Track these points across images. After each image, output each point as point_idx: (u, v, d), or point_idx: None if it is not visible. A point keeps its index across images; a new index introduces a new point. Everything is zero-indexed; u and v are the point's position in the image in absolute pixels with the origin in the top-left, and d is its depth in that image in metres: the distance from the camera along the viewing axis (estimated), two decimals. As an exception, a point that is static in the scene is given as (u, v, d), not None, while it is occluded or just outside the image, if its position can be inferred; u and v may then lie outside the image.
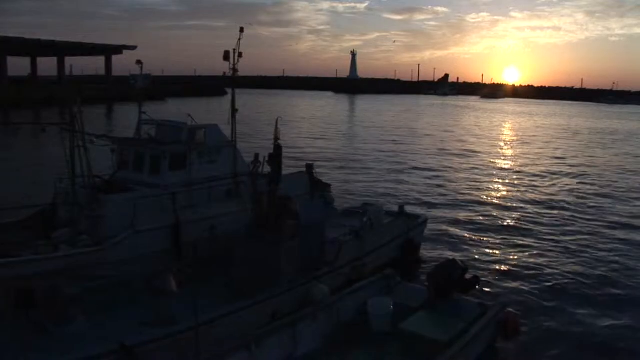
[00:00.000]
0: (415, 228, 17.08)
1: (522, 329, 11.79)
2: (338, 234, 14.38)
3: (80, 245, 12.07)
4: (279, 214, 12.51)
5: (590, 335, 12.33)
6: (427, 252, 17.49)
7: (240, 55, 14.43)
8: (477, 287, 12.60)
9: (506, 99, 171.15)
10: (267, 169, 14.93)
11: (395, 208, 18.03)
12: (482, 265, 16.60)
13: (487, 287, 14.68)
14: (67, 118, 12.34)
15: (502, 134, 63.11)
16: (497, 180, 32.06)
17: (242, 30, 14.40)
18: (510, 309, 12.34)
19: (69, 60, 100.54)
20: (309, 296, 11.55)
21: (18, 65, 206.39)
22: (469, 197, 26.59)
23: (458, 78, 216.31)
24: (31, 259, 11.24)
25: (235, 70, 14.40)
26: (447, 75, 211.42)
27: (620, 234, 20.54)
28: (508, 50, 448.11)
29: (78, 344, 8.98)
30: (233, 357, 8.76)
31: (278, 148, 14.17)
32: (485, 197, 27.00)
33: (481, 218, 22.55)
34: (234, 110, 14.95)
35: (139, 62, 15.00)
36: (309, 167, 17.46)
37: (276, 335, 9.60)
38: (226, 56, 14.25)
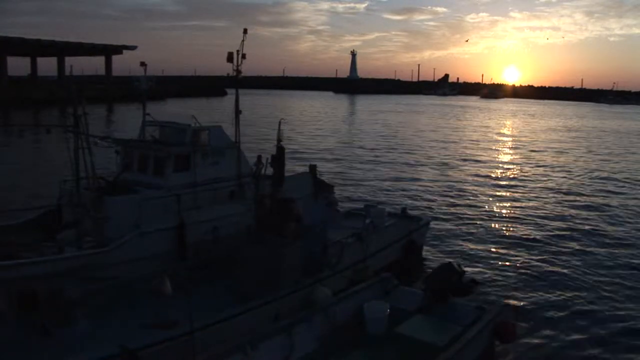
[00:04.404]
0: (418, 230, 17.09)
1: (519, 332, 11.75)
2: (340, 236, 14.39)
3: (84, 246, 12.10)
4: (281, 216, 12.53)
5: (589, 339, 12.33)
6: (429, 254, 17.52)
7: (243, 56, 14.42)
8: (474, 290, 12.58)
9: (506, 99, 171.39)
10: (269, 170, 14.97)
11: (398, 210, 18.05)
12: (482, 268, 16.61)
13: (486, 290, 14.66)
14: (71, 119, 12.36)
15: (505, 135, 63.09)
16: (500, 182, 32.07)
17: (245, 31, 14.38)
18: (507, 312, 12.35)
19: (69, 60, 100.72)
20: (311, 299, 11.56)
21: (18, 65, 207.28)
22: (472, 199, 26.61)
23: (458, 78, 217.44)
24: (35, 261, 11.25)
25: (239, 71, 14.41)
26: (447, 75, 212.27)
27: (624, 238, 20.50)
28: (508, 50, 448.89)
29: (81, 347, 8.98)
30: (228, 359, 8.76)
31: (281, 150, 14.21)
32: (488, 199, 27.02)
33: (484, 220, 22.56)
34: (237, 112, 14.94)
35: (142, 63, 15.02)
36: (312, 168, 17.48)
37: (272, 338, 9.57)
38: (230, 57, 14.23)
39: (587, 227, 21.70)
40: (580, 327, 12.91)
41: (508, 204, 25.69)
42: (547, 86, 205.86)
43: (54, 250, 11.89)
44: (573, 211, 24.49)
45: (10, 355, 8.86)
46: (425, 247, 17.74)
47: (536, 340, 12.11)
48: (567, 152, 46.49)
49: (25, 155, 34.58)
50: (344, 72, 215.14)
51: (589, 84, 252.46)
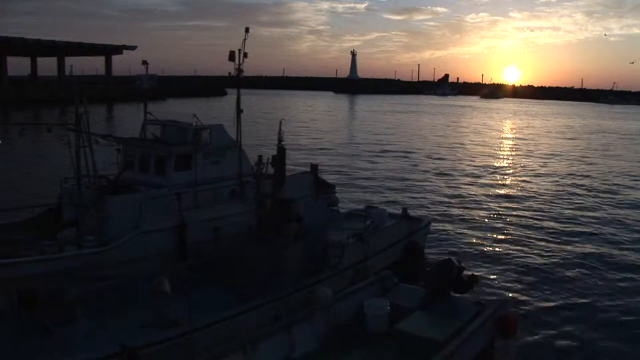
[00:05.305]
0: (419, 230, 17.06)
1: (519, 328, 11.70)
2: (341, 237, 14.36)
3: (85, 245, 12.06)
4: (282, 216, 12.49)
5: (589, 334, 12.38)
6: (430, 254, 17.49)
7: (245, 55, 14.38)
8: (474, 286, 12.58)
9: (506, 99, 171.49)
10: (270, 170, 14.95)
11: (399, 210, 18.02)
12: (482, 265, 16.67)
13: (486, 286, 14.72)
14: (72, 118, 12.34)
15: (506, 135, 63.08)
16: (500, 182, 32.07)
17: (247, 30, 14.33)
18: (507, 307, 12.34)
19: (69, 60, 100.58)
20: (312, 299, 11.52)
21: (18, 65, 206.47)
22: (472, 199, 26.61)
23: (458, 78, 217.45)
24: (37, 259, 11.23)
25: (241, 70, 14.37)
26: (447, 75, 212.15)
27: (624, 236, 20.55)
28: (508, 51, 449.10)
29: (81, 346, 8.95)
30: (228, 359, 8.73)
31: (282, 150, 14.16)
32: (489, 199, 27.01)
33: (484, 219, 22.57)
34: (239, 111, 14.90)
35: (144, 62, 15.01)
36: (314, 168, 17.44)
37: (272, 337, 9.56)
38: (231, 56, 14.18)
39: (586, 225, 21.77)
40: (579, 321, 12.98)
41: (508, 204, 25.65)
42: (547, 86, 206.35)
43: (55, 249, 11.86)
44: (573, 209, 24.52)
45: (11, 354, 8.83)
46: (426, 248, 17.70)
47: (536, 335, 12.15)
48: (568, 152, 46.45)
49: (26, 155, 34.57)
50: (344, 72, 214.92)
51: (589, 84, 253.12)
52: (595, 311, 13.62)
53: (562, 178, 33.45)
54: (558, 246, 18.92)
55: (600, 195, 28.45)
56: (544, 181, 32.25)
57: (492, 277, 15.70)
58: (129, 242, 12.21)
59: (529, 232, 20.76)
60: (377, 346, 9.96)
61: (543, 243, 19.27)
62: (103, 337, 9.18)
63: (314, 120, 73.27)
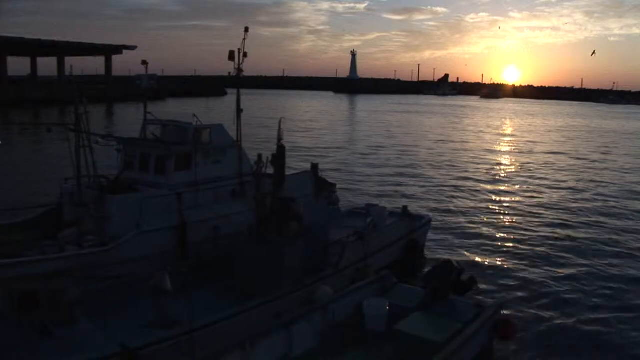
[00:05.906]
0: (419, 229, 17.06)
1: (519, 330, 11.71)
2: (341, 235, 14.35)
3: (86, 245, 12.06)
4: (282, 216, 12.48)
5: (588, 336, 12.34)
6: (430, 252, 17.48)
7: (245, 55, 14.42)
8: (473, 288, 12.55)
9: (506, 99, 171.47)
10: (270, 169, 14.95)
11: (399, 209, 18.01)
12: (482, 266, 16.63)
13: (486, 288, 14.66)
14: (72, 118, 12.35)
15: (506, 135, 63.05)
16: (501, 181, 32.05)
17: (247, 30, 14.38)
18: (507, 310, 12.31)
19: (69, 60, 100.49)
20: (312, 298, 11.51)
21: (18, 65, 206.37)
22: (473, 198, 26.61)
23: (458, 78, 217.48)
24: (37, 259, 11.22)
25: (240, 70, 14.40)
26: (447, 75, 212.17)
27: (629, 237, 20.49)
28: (508, 51, 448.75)
29: (81, 346, 8.93)
30: (227, 357, 8.71)
31: (281, 149, 14.17)
32: (490, 198, 27.01)
33: (485, 219, 22.55)
34: (239, 111, 14.91)
35: (144, 62, 15.03)
36: (314, 167, 17.44)
37: (271, 335, 9.56)
38: (231, 56, 14.23)
39: (587, 226, 21.70)
40: (581, 323, 12.92)
41: (509, 203, 25.67)
42: (547, 86, 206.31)
43: (55, 249, 11.86)
44: (575, 210, 24.46)
45: (10, 355, 8.81)
46: (426, 246, 17.69)
47: (536, 337, 12.10)
48: (569, 153, 46.42)
49: (26, 155, 34.59)
50: (344, 72, 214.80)
51: (589, 84, 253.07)
52: (596, 314, 13.53)
53: (564, 178, 33.43)
54: (560, 247, 18.84)
55: (604, 195, 28.43)
56: (546, 181, 32.23)
57: (491, 277, 15.66)
58: (129, 242, 12.21)
59: (531, 232, 20.73)
60: (376, 346, 9.95)
61: (545, 244, 19.20)
62: (103, 337, 9.15)
63: (314, 120, 73.28)
